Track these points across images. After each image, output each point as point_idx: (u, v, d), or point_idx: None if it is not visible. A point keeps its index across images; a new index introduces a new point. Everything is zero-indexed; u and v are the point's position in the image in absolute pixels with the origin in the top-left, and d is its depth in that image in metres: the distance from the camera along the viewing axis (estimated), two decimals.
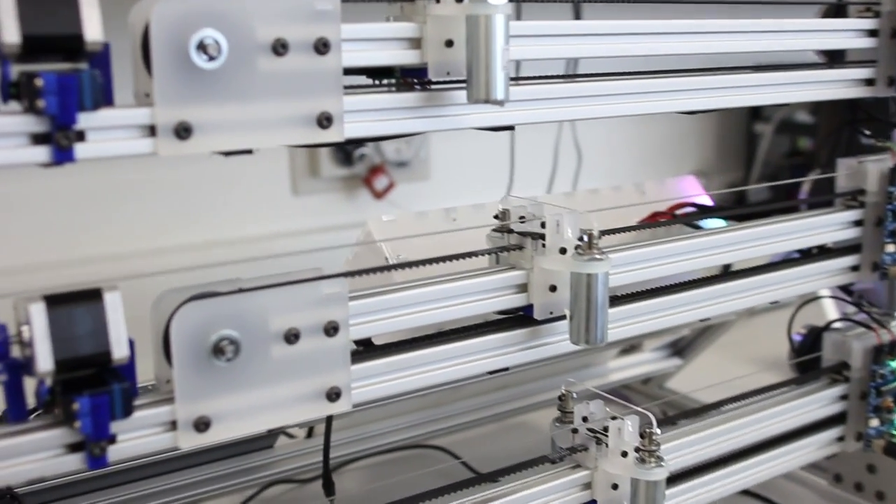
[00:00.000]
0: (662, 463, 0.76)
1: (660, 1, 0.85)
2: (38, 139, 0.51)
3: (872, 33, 0.90)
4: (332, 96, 0.59)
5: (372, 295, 0.65)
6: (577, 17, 1.34)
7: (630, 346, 1.32)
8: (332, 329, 0.62)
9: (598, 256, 0.68)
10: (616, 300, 0.76)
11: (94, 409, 0.54)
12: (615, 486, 0.78)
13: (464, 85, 0.62)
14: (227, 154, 0.57)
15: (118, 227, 1.37)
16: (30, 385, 0.56)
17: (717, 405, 0.91)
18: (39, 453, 0.55)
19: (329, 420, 0.88)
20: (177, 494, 0.93)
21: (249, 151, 0.58)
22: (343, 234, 1.11)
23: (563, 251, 0.70)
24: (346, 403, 0.64)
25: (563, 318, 0.72)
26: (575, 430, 0.80)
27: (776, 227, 0.86)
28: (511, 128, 0.68)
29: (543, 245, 0.71)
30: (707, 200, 1.04)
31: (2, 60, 0.51)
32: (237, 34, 0.55)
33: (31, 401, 0.57)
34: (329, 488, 0.86)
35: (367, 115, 0.61)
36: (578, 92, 0.69)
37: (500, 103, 0.62)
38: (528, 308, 0.72)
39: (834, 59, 0.93)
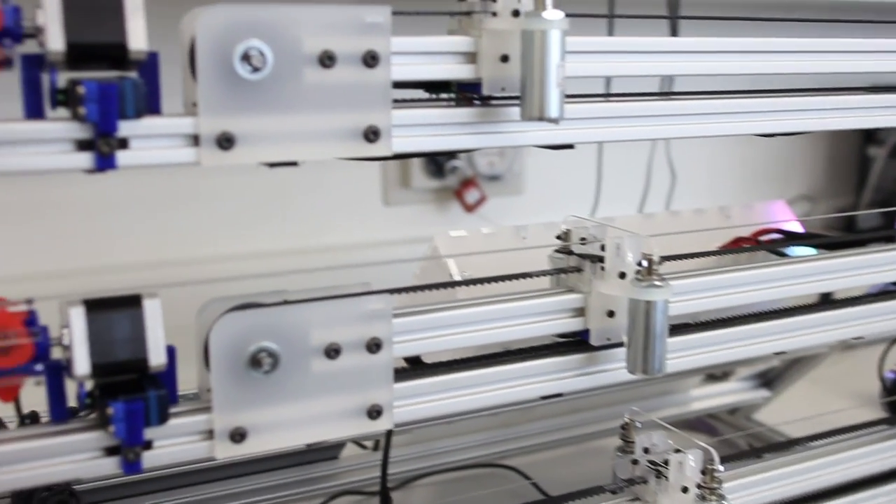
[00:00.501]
0: (724, 502, 0.72)
1: (761, 20, 0.82)
2: (81, 145, 0.52)
3: None
4: (379, 110, 0.58)
5: (418, 313, 0.64)
6: (674, 33, 1.31)
7: (716, 375, 1.27)
8: (374, 345, 0.61)
9: (657, 283, 0.66)
10: (677, 329, 0.73)
11: (128, 415, 0.55)
12: None
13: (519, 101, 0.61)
14: (272, 165, 0.57)
15: (207, 231, 1.39)
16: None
17: (797, 441, 0.87)
18: (76, 454, 0.56)
19: (389, 434, 0.87)
20: (239, 500, 0.93)
21: (295, 164, 0.58)
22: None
23: (622, 276, 0.67)
24: (388, 422, 0.63)
25: (620, 345, 0.70)
26: (635, 462, 0.77)
27: (865, 258, 0.81)
28: (569, 146, 0.66)
29: (602, 268, 0.68)
30: (797, 227, 1.00)
31: (49, 68, 0.52)
32: (283, 45, 0.55)
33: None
34: (386, 503, 0.85)
35: (416, 130, 0.60)
36: (640, 111, 0.67)
37: (555, 121, 0.60)
38: (585, 333, 0.70)
39: None
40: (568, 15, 0.60)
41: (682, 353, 0.73)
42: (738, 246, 0.93)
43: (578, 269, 0.70)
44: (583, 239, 0.71)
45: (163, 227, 1.36)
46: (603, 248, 0.68)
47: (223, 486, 0.95)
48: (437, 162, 1.62)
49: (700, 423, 1.28)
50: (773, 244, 0.93)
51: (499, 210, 1.63)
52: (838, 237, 0.94)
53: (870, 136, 1.95)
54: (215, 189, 1.37)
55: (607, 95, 0.71)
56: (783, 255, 0.90)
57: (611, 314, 0.69)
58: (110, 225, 1.31)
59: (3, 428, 0.64)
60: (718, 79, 0.73)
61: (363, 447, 1.07)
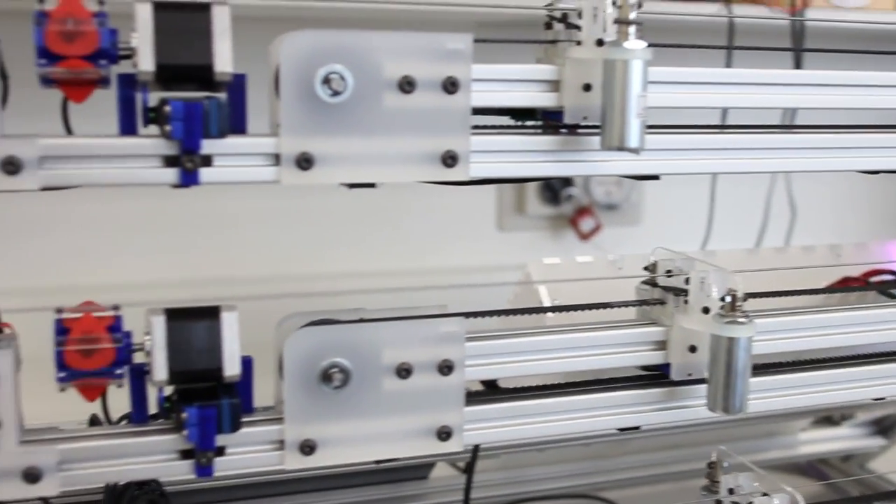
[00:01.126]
0: None
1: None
2: (168, 161, 0.54)
3: None
4: (458, 135, 0.59)
5: (491, 337, 0.64)
6: (798, 66, 1.27)
7: (830, 419, 1.22)
8: (446, 368, 0.61)
9: (740, 320, 0.64)
10: (763, 368, 0.71)
11: (201, 421, 0.57)
12: None
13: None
14: (350, 187, 0.59)
15: (325, 250, 1.43)
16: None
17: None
18: (154, 455, 0.58)
19: (474, 456, 0.87)
20: None
21: (373, 185, 0.59)
22: None
23: (706, 311, 0.66)
24: (457, 444, 0.63)
25: (702, 381, 0.68)
26: (719, 502, 0.75)
27: None
28: (654, 177, 0.65)
29: (686, 302, 0.67)
30: None
31: (141, 87, 0.54)
32: (363, 70, 0.56)
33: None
34: None
35: (494, 157, 0.61)
36: (726, 144, 0.65)
37: (635, 151, 0.59)
38: (667, 367, 0.69)
39: None
40: (683, 46, 0.60)
41: (766, 394, 0.71)
42: (844, 285, 0.90)
43: (662, 302, 0.69)
44: (668, 271, 0.70)
45: (279, 241, 1.40)
46: (687, 281, 0.67)
47: (313, 498, 0.97)
48: (552, 189, 1.62)
49: (810, 469, 1.23)
50: (882, 285, 0.89)
51: (614, 240, 1.61)
52: None
53: None
54: (330, 208, 1.41)
55: (705, 127, 0.70)
56: (893, 297, 0.87)
57: (692, 349, 0.68)
58: (229, 238, 1.36)
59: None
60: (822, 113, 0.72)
61: (457, 468, 1.07)
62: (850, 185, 1.64)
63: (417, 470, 1.01)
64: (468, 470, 0.86)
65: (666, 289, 0.69)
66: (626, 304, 0.70)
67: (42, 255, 1.21)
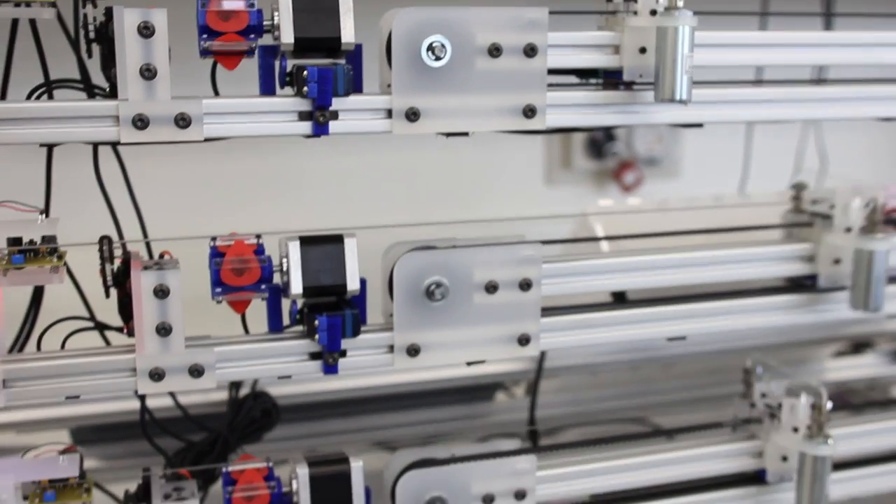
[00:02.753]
0: (829, 440, 0.82)
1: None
2: (302, 116, 0.67)
3: None
4: (536, 92, 0.71)
5: (562, 260, 0.77)
6: (828, 27, 1.38)
7: (855, 348, 1.34)
8: (525, 285, 0.74)
9: (879, 236, 0.80)
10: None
11: (330, 327, 0.70)
12: (785, 459, 0.85)
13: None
14: (448, 135, 0.71)
15: (397, 204, 1.55)
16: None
17: None
18: (288, 357, 0.72)
19: (539, 368, 1.01)
20: (409, 427, 1.08)
21: (466, 134, 0.71)
22: None
23: (848, 230, 0.82)
24: (535, 349, 0.76)
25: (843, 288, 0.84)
26: (753, 405, 0.88)
27: None
28: (698, 125, 0.77)
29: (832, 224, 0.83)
30: None
31: (280, 56, 0.67)
32: (460, 39, 0.69)
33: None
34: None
35: (565, 109, 0.73)
36: (759, 97, 0.77)
37: (684, 103, 0.72)
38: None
39: None
40: (721, 13, 0.71)
41: None
42: None
43: (809, 224, 0.85)
44: (814, 200, 0.85)
45: (361, 197, 1.53)
46: (832, 207, 0.83)
47: (391, 417, 1.10)
48: (597, 144, 1.73)
49: (836, 397, 1.35)
50: None
51: (655, 192, 1.73)
52: None
53: None
54: (402, 166, 1.53)
55: (742, 82, 0.81)
56: None
57: (836, 261, 0.83)
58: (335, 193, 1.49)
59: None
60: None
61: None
62: (874, 138, 1.75)
63: (484, 391, 1.14)
64: (535, 382, 0.99)
65: (812, 214, 0.85)
66: (773, 227, 0.86)
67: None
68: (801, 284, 0.86)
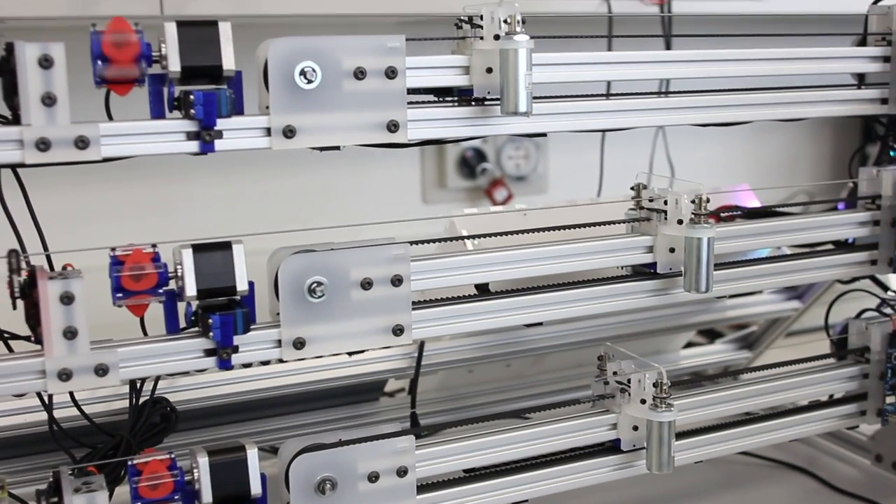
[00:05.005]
0: (672, 408, 0.93)
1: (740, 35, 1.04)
2: (190, 136, 0.75)
3: (886, 59, 1.05)
4: (398, 109, 0.81)
5: (429, 258, 0.86)
6: (668, 47, 1.52)
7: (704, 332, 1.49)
8: (397, 280, 0.84)
9: (705, 225, 0.92)
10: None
11: (222, 325, 0.78)
12: (635, 428, 0.96)
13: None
14: (321, 150, 0.80)
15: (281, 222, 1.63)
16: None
17: (744, 371, 1.09)
18: (185, 354, 0.79)
19: (419, 359, 1.10)
20: (294, 431, 1.16)
21: (338, 148, 0.81)
22: None
23: (680, 222, 0.93)
24: (408, 338, 0.85)
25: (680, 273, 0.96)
26: (606, 382, 0.99)
27: (788, 223, 1.03)
28: (541, 134, 0.89)
29: (665, 217, 0.95)
30: (755, 204, 1.21)
31: (168, 83, 0.75)
32: (329, 64, 0.78)
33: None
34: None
35: (424, 123, 0.83)
36: (595, 108, 0.89)
37: (525, 115, 0.82)
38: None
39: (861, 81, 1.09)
40: (568, 37, 0.82)
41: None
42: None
43: (648, 219, 0.96)
44: (650, 199, 0.96)
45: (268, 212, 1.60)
46: (665, 202, 0.95)
47: (283, 421, 1.18)
48: (469, 164, 1.84)
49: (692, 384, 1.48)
50: (729, 219, 1.14)
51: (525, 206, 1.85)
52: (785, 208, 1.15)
53: (869, 135, 2.13)
54: (277, 189, 1.61)
55: (580, 96, 0.93)
56: None
57: (672, 250, 0.95)
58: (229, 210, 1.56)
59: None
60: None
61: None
62: (713, 146, 1.92)
63: (369, 393, 1.23)
64: (416, 368, 1.08)
65: (650, 209, 0.96)
66: (616, 223, 0.95)
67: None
68: (643, 272, 0.98)
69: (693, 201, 0.93)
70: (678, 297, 0.98)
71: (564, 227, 0.96)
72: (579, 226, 0.96)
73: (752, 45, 1.01)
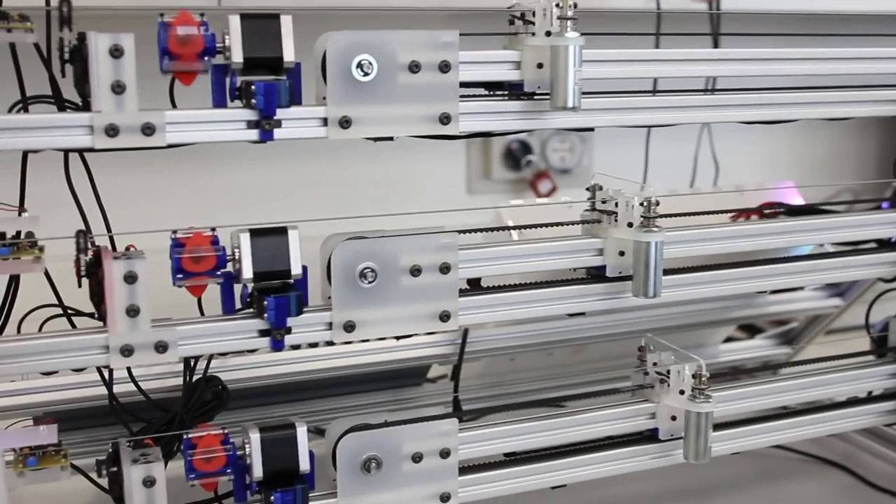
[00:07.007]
0: (710, 399, 0.95)
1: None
2: (250, 125, 0.79)
3: None
4: (450, 102, 0.84)
5: (478, 247, 0.89)
6: (716, 45, 1.53)
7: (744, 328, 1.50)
8: (445, 268, 0.86)
9: (654, 229, 0.90)
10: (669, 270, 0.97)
11: (277, 307, 0.81)
12: (674, 418, 0.98)
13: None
14: (375, 140, 0.83)
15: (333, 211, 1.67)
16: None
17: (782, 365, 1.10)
18: (241, 334, 0.83)
19: (462, 346, 1.13)
20: (345, 412, 1.19)
21: (391, 138, 0.83)
22: None
23: (630, 225, 0.92)
24: (454, 324, 0.88)
25: (629, 277, 0.94)
26: (646, 373, 1.01)
27: (830, 220, 1.04)
28: (589, 129, 0.91)
29: (616, 220, 0.93)
30: (799, 201, 1.22)
31: (231, 73, 0.78)
32: (384, 58, 0.81)
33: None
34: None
35: (476, 117, 0.86)
36: (643, 104, 0.91)
37: (574, 110, 0.85)
38: (603, 268, 0.95)
39: None
40: (617, 34, 0.84)
41: (678, 289, 0.98)
42: (744, 217, 1.17)
43: (598, 221, 0.95)
44: (603, 200, 0.95)
45: (323, 201, 1.64)
46: (616, 205, 0.93)
47: (328, 403, 1.21)
48: (514, 156, 1.87)
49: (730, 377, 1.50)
50: (772, 216, 1.15)
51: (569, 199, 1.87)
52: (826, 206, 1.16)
53: None
54: (329, 179, 1.65)
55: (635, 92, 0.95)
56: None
57: (622, 253, 0.93)
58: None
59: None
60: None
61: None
62: (759, 142, 1.92)
63: (413, 378, 1.25)
64: (460, 353, 1.11)
65: (601, 211, 0.95)
66: (571, 223, 0.95)
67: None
68: (599, 275, 0.96)
69: (642, 204, 0.92)
70: (627, 301, 0.96)
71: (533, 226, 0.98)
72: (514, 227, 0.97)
73: (799, 44, 1.02)
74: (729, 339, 1.48)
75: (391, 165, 1.68)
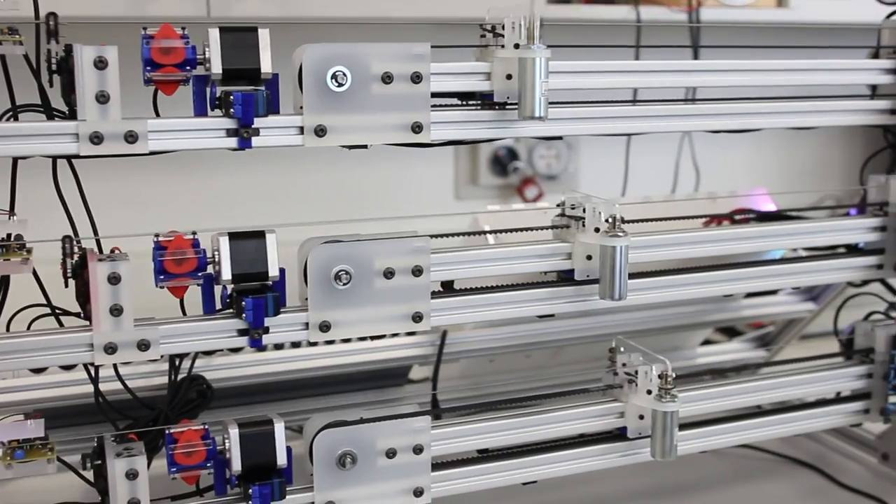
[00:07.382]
0: (676, 399, 0.98)
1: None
2: (230, 133, 0.82)
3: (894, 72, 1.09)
4: (422, 111, 0.87)
5: (451, 250, 0.92)
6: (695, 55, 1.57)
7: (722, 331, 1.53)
8: (418, 271, 0.90)
9: (619, 234, 0.93)
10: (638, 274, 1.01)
11: (255, 307, 0.85)
12: (641, 417, 1.02)
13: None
14: (349, 148, 0.87)
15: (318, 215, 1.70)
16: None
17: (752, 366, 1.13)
18: (220, 333, 0.86)
19: (440, 349, 1.16)
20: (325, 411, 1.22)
21: (365, 146, 0.87)
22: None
23: (597, 230, 0.95)
24: (427, 325, 0.91)
25: (596, 280, 0.97)
26: (615, 373, 1.04)
27: (796, 226, 1.08)
28: (558, 138, 0.94)
29: (584, 225, 0.96)
30: (772, 208, 1.26)
31: (211, 84, 0.82)
32: (358, 69, 0.84)
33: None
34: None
35: (447, 125, 0.89)
36: (608, 114, 0.95)
37: (541, 119, 0.88)
38: (572, 271, 0.98)
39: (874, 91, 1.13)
40: (595, 46, 0.88)
41: (643, 292, 1.01)
42: (715, 223, 1.20)
43: (567, 226, 0.98)
44: (572, 206, 0.98)
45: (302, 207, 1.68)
46: (584, 210, 0.96)
47: (311, 402, 1.24)
48: (501, 163, 1.90)
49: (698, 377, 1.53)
50: (743, 221, 1.19)
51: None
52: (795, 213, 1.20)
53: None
54: (315, 185, 1.68)
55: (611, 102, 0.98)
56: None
57: (589, 258, 0.97)
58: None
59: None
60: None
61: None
62: (740, 151, 1.95)
63: (395, 378, 1.29)
64: (438, 354, 1.14)
65: (570, 217, 0.98)
66: (543, 228, 0.99)
67: None
68: (568, 278, 0.99)
69: (607, 221, 0.94)
70: (595, 303, 0.99)
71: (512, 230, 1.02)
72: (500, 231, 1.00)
73: (775, 56, 1.05)
74: (707, 342, 1.52)
75: (381, 171, 1.72)
